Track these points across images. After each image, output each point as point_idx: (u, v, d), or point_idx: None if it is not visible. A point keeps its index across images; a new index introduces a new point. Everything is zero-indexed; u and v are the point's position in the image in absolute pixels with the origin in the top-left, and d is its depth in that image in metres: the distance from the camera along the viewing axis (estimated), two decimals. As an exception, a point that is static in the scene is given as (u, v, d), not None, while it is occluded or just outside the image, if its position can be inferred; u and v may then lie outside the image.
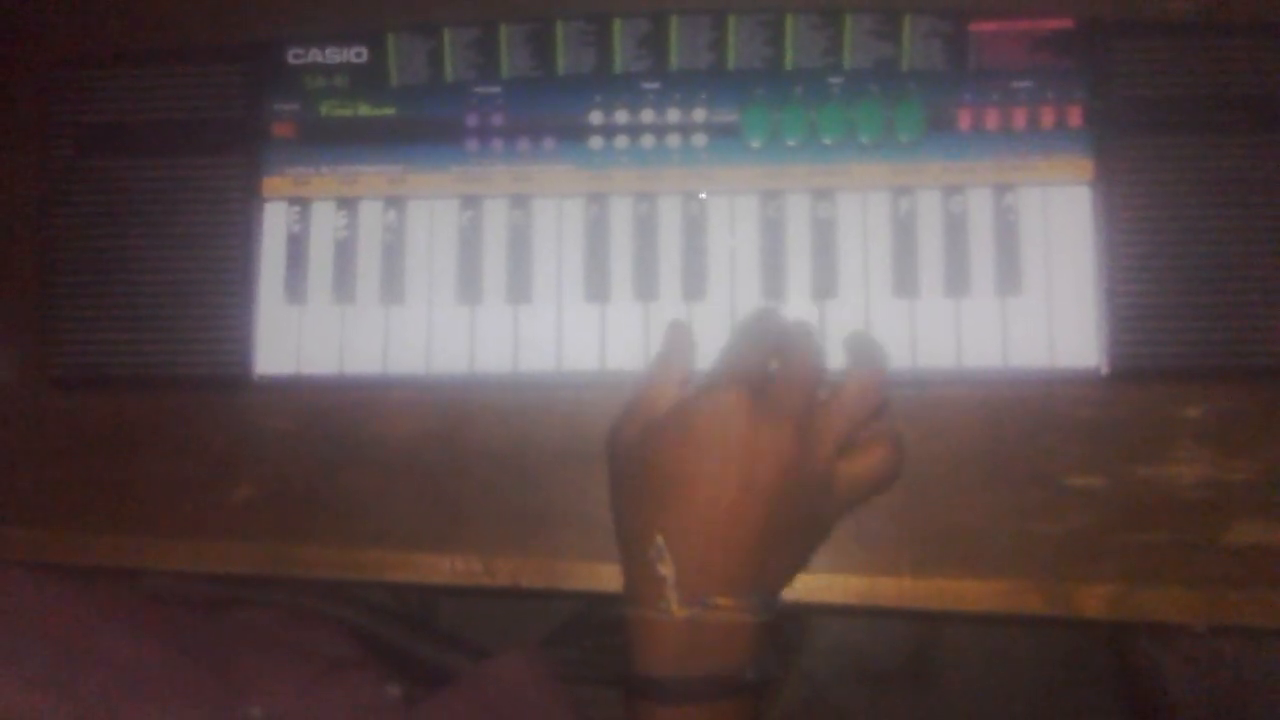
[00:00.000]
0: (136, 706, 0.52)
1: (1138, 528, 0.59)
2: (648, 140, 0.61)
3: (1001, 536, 0.60)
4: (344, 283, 0.62)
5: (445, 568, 0.62)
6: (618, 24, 0.61)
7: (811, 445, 0.52)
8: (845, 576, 0.60)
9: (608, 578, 0.60)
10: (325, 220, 0.62)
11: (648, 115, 0.61)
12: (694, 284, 0.60)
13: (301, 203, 0.63)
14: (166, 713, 0.53)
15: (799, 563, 0.56)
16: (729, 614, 0.51)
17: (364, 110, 0.63)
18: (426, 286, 0.62)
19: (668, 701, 0.51)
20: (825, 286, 0.59)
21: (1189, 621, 0.59)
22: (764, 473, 0.51)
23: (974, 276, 0.59)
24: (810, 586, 0.60)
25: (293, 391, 0.63)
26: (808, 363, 0.54)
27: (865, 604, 0.60)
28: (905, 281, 0.59)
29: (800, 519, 0.53)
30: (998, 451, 0.60)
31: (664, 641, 0.51)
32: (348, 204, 0.62)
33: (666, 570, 0.50)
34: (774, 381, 0.53)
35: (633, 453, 0.53)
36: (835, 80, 0.60)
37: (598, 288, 0.61)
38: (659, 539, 0.51)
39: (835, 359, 0.58)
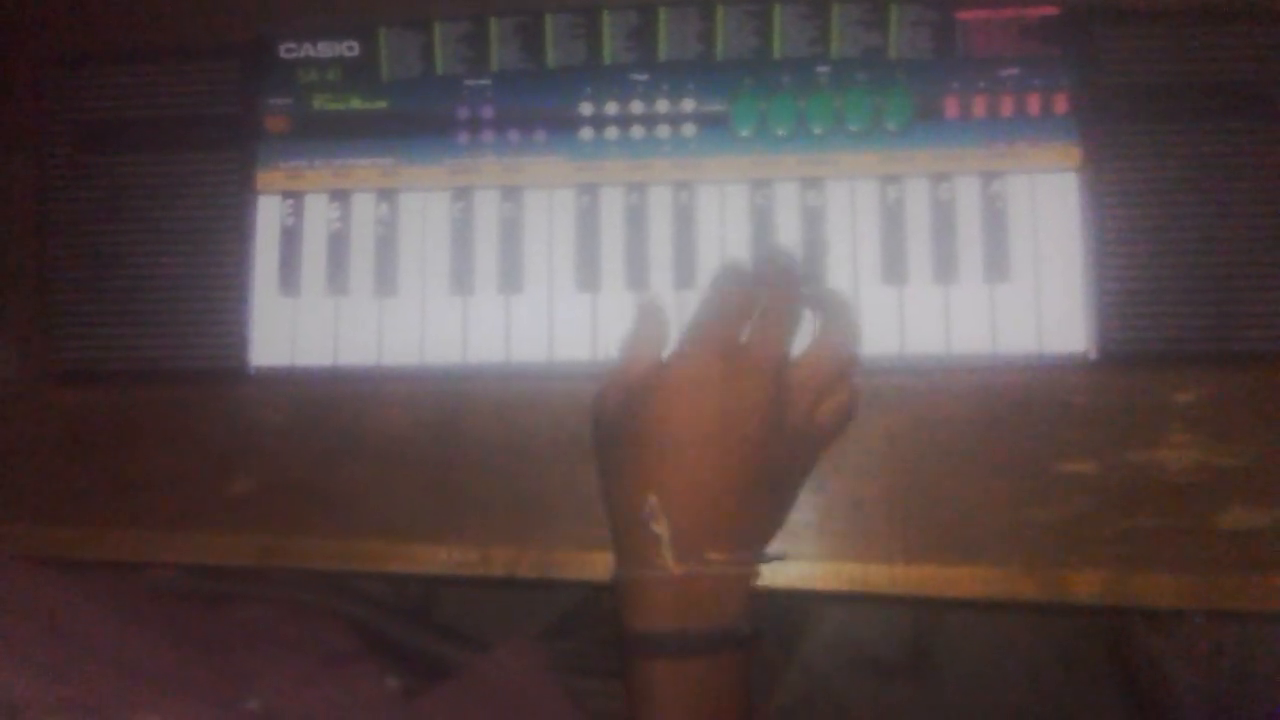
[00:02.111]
0: (136, 697, 0.52)
1: (1129, 513, 0.59)
2: (637, 131, 0.61)
3: (993, 523, 0.60)
4: (338, 275, 0.62)
5: (442, 558, 0.63)
6: (606, 16, 0.62)
7: (790, 397, 0.53)
8: (838, 564, 0.61)
9: (604, 567, 0.61)
10: (318, 213, 0.63)
11: (637, 106, 0.62)
12: (684, 273, 0.61)
13: (295, 196, 0.63)
14: (166, 704, 0.53)
15: (783, 513, 0.58)
16: (724, 567, 0.52)
17: (356, 104, 0.63)
18: (419, 278, 0.62)
19: (669, 656, 0.52)
20: (815, 274, 0.60)
21: (1181, 606, 0.59)
22: (746, 427, 0.52)
23: (962, 263, 0.59)
24: (804, 574, 0.61)
25: (288, 383, 0.64)
26: (782, 318, 0.54)
27: (858, 591, 0.60)
28: (894, 268, 0.59)
29: (782, 470, 0.55)
30: (988, 438, 0.60)
31: (662, 598, 0.52)
32: (341, 197, 0.63)
33: (661, 529, 0.51)
34: (749, 337, 0.54)
35: (616, 418, 0.54)
36: (823, 69, 0.61)
37: (589, 277, 0.61)
38: (651, 498, 0.52)
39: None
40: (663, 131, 0.61)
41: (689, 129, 0.61)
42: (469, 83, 0.63)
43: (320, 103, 0.63)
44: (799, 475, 0.57)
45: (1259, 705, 0.78)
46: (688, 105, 0.61)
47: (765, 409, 0.52)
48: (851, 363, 0.56)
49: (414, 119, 0.63)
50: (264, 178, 0.63)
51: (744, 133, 0.61)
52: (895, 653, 0.99)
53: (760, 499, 0.54)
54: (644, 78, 0.62)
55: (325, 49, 0.64)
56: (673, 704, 0.53)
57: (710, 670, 0.52)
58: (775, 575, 0.60)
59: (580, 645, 0.82)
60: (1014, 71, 0.60)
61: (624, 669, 0.54)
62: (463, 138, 0.62)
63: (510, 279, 0.61)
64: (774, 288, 0.56)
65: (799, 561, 0.61)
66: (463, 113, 0.62)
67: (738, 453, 0.52)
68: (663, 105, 0.61)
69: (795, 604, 0.95)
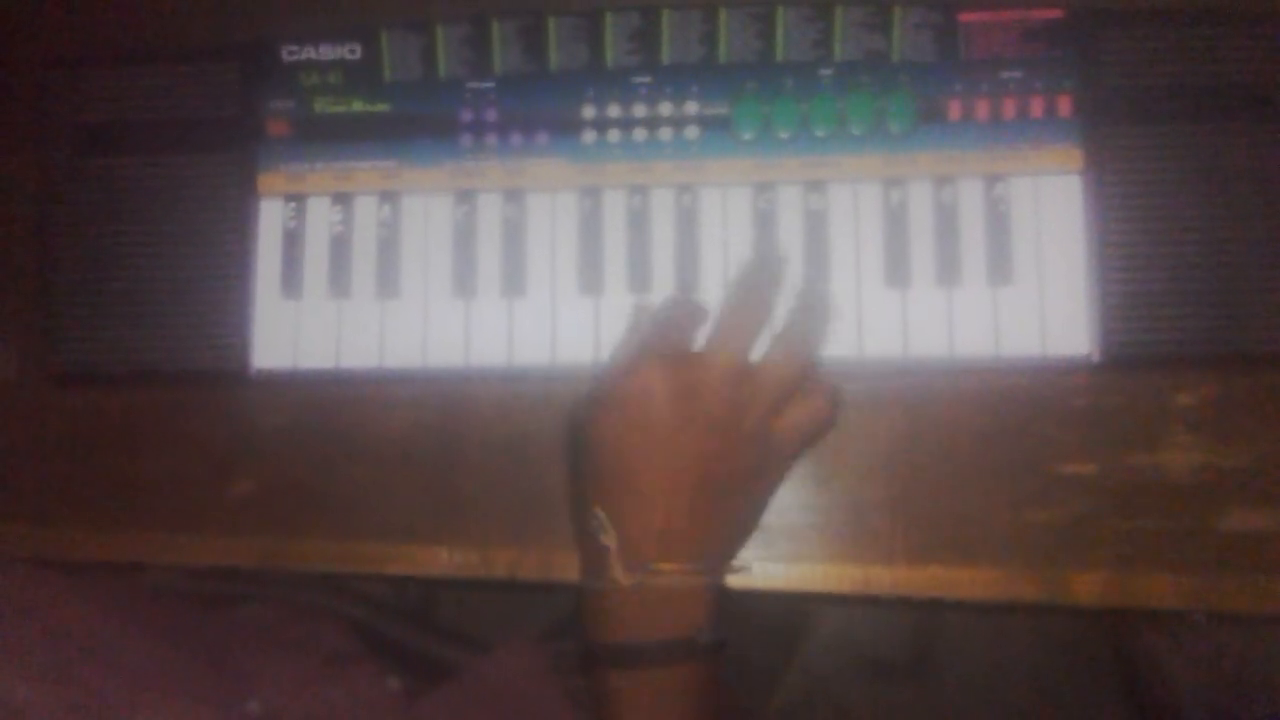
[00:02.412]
0: (137, 699, 0.52)
1: (1130, 515, 0.59)
2: (640, 134, 0.61)
3: (995, 525, 0.60)
4: (340, 277, 0.62)
5: (443, 559, 0.63)
6: (609, 19, 0.62)
7: (743, 407, 0.52)
8: (840, 566, 0.61)
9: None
10: (320, 216, 0.63)
11: (640, 109, 0.62)
12: (687, 276, 0.61)
13: (297, 199, 0.63)
14: (167, 706, 0.53)
15: (749, 522, 0.57)
16: (675, 579, 0.52)
17: (358, 106, 0.63)
18: (422, 280, 0.62)
19: (625, 666, 0.52)
20: (817, 277, 0.60)
21: (1182, 607, 0.59)
22: (692, 440, 0.51)
23: (965, 266, 0.59)
24: (805, 576, 0.61)
25: (290, 385, 0.64)
26: (737, 327, 0.54)
27: (860, 593, 0.60)
28: (897, 271, 0.59)
29: (739, 479, 0.54)
30: (990, 440, 0.61)
31: (614, 609, 0.52)
32: (343, 199, 0.63)
33: (608, 540, 0.52)
34: (706, 344, 0.54)
35: (577, 433, 0.54)
36: (826, 72, 0.61)
37: (591, 280, 0.61)
38: (599, 511, 0.52)
39: (827, 348, 0.58)
40: (665, 134, 0.61)
41: (692, 131, 0.61)
42: (471, 85, 0.63)
43: (322, 105, 0.63)
44: (763, 483, 0.56)
45: (1260, 707, 0.79)
46: (690, 108, 0.61)
47: (716, 417, 0.52)
48: (808, 367, 0.54)
49: (416, 121, 0.63)
50: (266, 180, 0.63)
51: (747, 135, 0.61)
52: (895, 654, 0.99)
53: (715, 508, 0.53)
54: (646, 80, 0.62)
55: (327, 51, 0.64)
56: (631, 714, 0.53)
57: (669, 680, 0.52)
58: (778, 577, 0.61)
59: (579, 647, 0.82)
60: (1017, 74, 0.60)
61: (587, 680, 0.54)
62: (465, 140, 0.62)
63: (513, 282, 0.61)
64: (733, 291, 0.55)
65: (801, 563, 0.61)
66: (465, 115, 0.62)
67: (686, 465, 0.52)
68: (665, 108, 0.61)
69: (795, 606, 0.95)
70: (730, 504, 0.54)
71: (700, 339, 0.55)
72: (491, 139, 0.62)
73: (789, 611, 0.95)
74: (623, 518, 0.52)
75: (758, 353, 0.54)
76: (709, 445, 0.52)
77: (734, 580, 0.57)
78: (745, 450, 0.53)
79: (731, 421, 0.52)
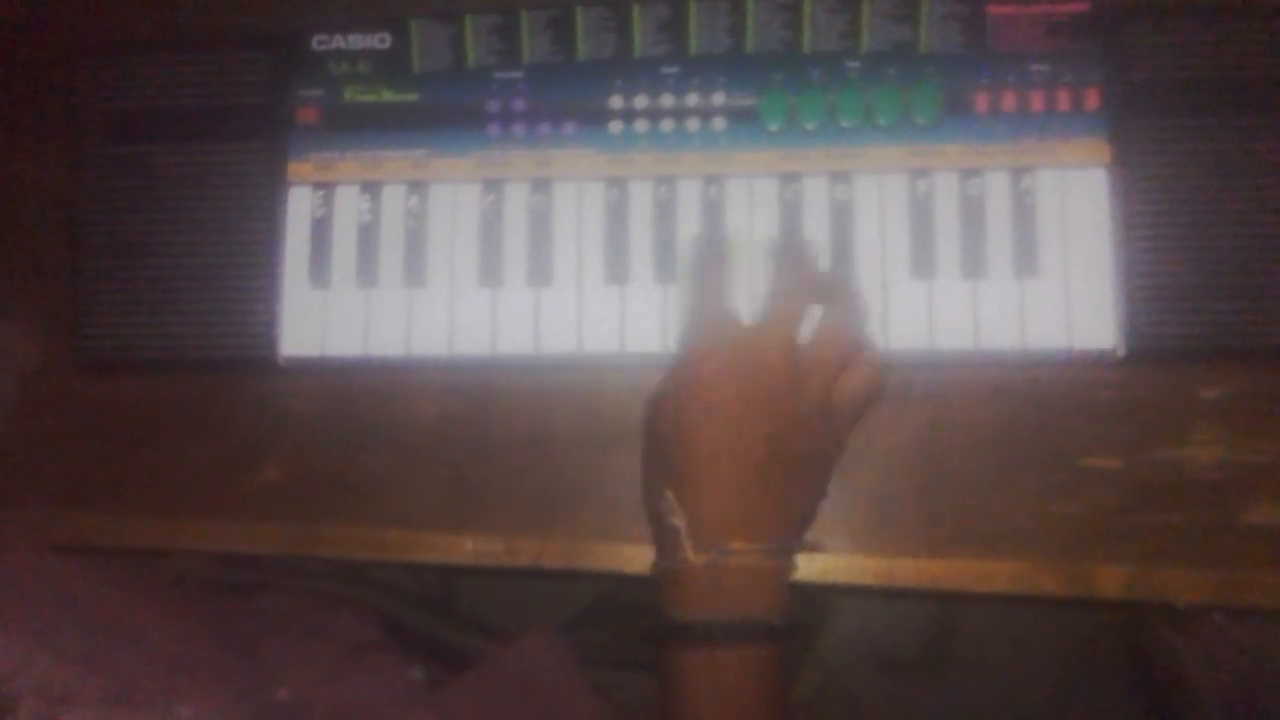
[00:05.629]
0: (167, 684, 0.53)
1: (1154, 509, 0.59)
2: (667, 124, 0.62)
3: (1019, 517, 0.60)
4: (368, 266, 0.63)
5: (467, 548, 0.63)
6: (637, 9, 0.62)
7: (802, 383, 0.54)
8: (864, 557, 0.61)
9: (629, 558, 0.61)
10: (349, 204, 0.63)
11: (667, 100, 0.62)
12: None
13: (326, 187, 0.63)
14: (198, 694, 0.53)
15: (814, 500, 0.57)
16: (747, 557, 0.52)
17: (387, 96, 0.63)
18: (449, 270, 0.62)
19: (696, 644, 0.52)
20: (843, 268, 0.60)
21: (1205, 602, 0.59)
22: (761, 413, 0.52)
23: (991, 258, 0.59)
24: (829, 567, 0.61)
25: (317, 374, 0.64)
26: (787, 306, 0.55)
27: (884, 585, 0.61)
28: (923, 263, 0.60)
29: (805, 454, 0.55)
30: (1015, 433, 0.61)
31: (687, 588, 0.53)
32: (371, 188, 0.63)
33: (678, 521, 0.52)
34: (759, 322, 0.55)
35: (648, 417, 0.55)
36: (853, 64, 0.61)
37: (618, 270, 0.61)
38: (668, 493, 0.53)
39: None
40: (692, 125, 0.62)
41: (719, 122, 0.61)
42: (499, 75, 0.63)
43: (351, 94, 0.64)
44: (825, 459, 0.57)
45: (1277, 705, 0.78)
46: (717, 99, 0.62)
47: (780, 393, 0.53)
48: (861, 336, 0.56)
49: (445, 111, 0.63)
50: (295, 169, 0.64)
51: (773, 126, 0.61)
52: (911, 649, 0.99)
53: (784, 486, 0.54)
54: (674, 71, 0.62)
55: (357, 41, 0.64)
56: (701, 693, 0.53)
57: (739, 660, 0.53)
58: (801, 568, 0.61)
59: (601, 637, 0.82)
60: (1044, 67, 0.60)
61: (657, 658, 0.54)
62: (493, 130, 0.63)
63: (539, 271, 0.62)
64: (780, 270, 0.56)
65: (825, 555, 0.61)
66: (493, 105, 0.63)
67: (755, 440, 0.52)
68: (692, 99, 0.62)
69: (812, 597, 0.95)
70: (795, 482, 0.55)
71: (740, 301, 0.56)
72: (519, 129, 0.63)
73: (806, 604, 0.95)
74: (692, 499, 0.52)
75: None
76: (777, 421, 0.53)
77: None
78: (806, 425, 0.54)
79: (792, 395, 0.53)
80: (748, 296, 0.58)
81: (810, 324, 0.56)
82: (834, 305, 0.56)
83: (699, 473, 0.53)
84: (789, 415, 0.53)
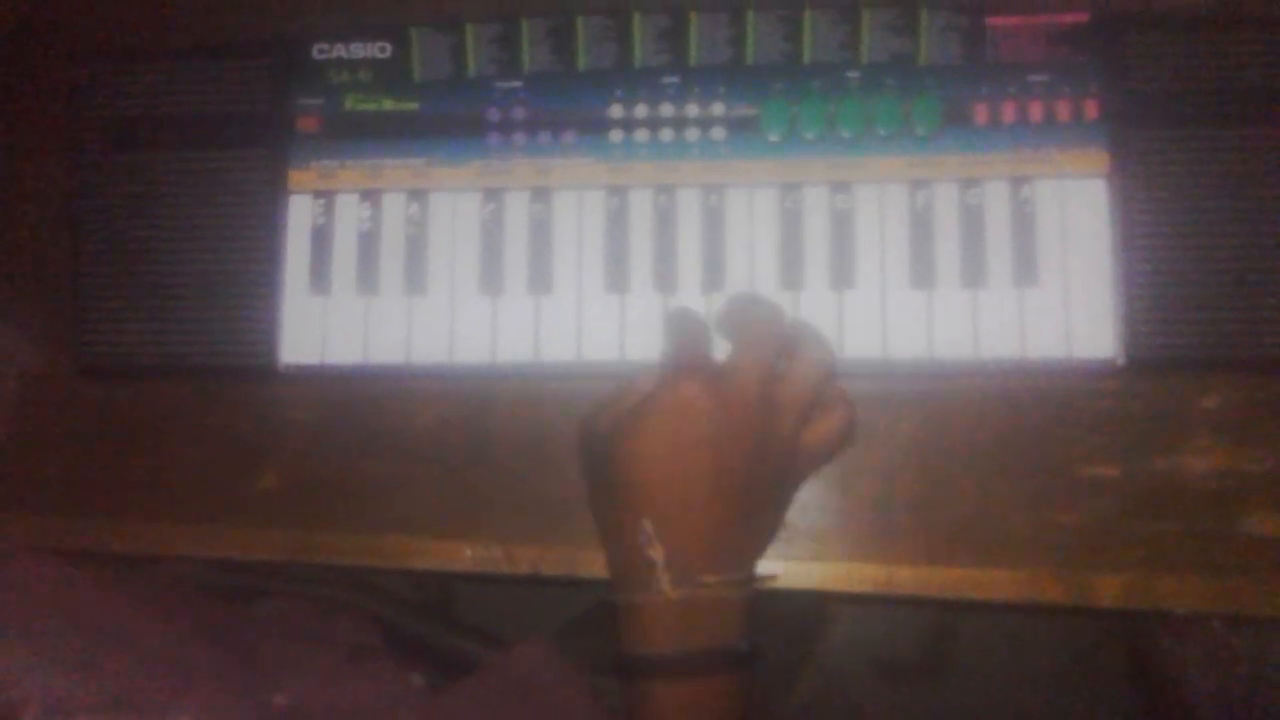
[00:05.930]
0: (165, 690, 0.53)
1: (1154, 518, 0.59)
2: (667, 134, 0.62)
3: (1018, 526, 0.60)
4: (368, 274, 0.63)
5: (466, 555, 0.63)
6: (637, 19, 0.62)
7: (774, 419, 0.53)
8: (863, 565, 0.61)
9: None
10: (349, 213, 0.63)
11: (667, 109, 0.62)
12: (713, 275, 0.61)
13: (326, 195, 0.64)
14: (196, 700, 0.53)
15: (772, 532, 0.58)
16: (718, 589, 0.52)
17: (388, 104, 0.64)
18: (449, 278, 0.62)
19: (670, 678, 0.53)
20: (843, 278, 0.60)
21: (1204, 610, 0.59)
22: (734, 452, 0.52)
23: (990, 268, 0.59)
24: (829, 576, 0.61)
25: (317, 381, 0.64)
26: (760, 343, 0.55)
27: (883, 593, 0.61)
28: (922, 273, 0.60)
29: (771, 490, 0.55)
30: (1014, 442, 0.61)
31: (660, 622, 0.53)
32: (371, 196, 0.63)
33: (656, 554, 0.52)
34: (730, 360, 0.54)
35: (606, 446, 0.54)
36: (853, 74, 0.61)
37: (618, 279, 0.61)
38: (646, 524, 0.52)
39: (852, 348, 0.59)
40: (692, 134, 0.62)
41: (719, 132, 0.62)
42: (500, 84, 0.63)
43: (352, 103, 0.64)
44: (786, 494, 0.58)
45: (1275, 712, 0.79)
46: (718, 109, 0.62)
47: (752, 426, 0.53)
48: (829, 375, 0.55)
49: (445, 120, 0.63)
50: (295, 177, 0.64)
51: (773, 136, 0.61)
52: (911, 656, 0.99)
53: (751, 521, 0.55)
54: (674, 81, 0.62)
55: (357, 49, 0.64)
56: None
57: (709, 690, 0.53)
58: (802, 576, 0.61)
59: (601, 643, 0.82)
60: (1043, 77, 0.60)
61: (623, 691, 0.55)
62: (493, 139, 0.63)
63: (539, 280, 0.62)
64: (750, 312, 0.56)
65: (825, 563, 0.61)
66: (493, 114, 0.63)
67: (729, 478, 0.52)
68: (693, 108, 0.62)
69: (812, 605, 0.95)
70: (763, 516, 0.56)
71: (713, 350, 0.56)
72: (519, 138, 0.63)
73: (806, 610, 0.95)
74: (670, 531, 0.52)
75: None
76: (748, 458, 0.52)
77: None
78: (779, 457, 0.54)
79: (766, 429, 0.53)
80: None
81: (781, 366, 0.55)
82: (804, 338, 0.56)
83: (674, 505, 0.52)
84: (764, 446, 0.53)
